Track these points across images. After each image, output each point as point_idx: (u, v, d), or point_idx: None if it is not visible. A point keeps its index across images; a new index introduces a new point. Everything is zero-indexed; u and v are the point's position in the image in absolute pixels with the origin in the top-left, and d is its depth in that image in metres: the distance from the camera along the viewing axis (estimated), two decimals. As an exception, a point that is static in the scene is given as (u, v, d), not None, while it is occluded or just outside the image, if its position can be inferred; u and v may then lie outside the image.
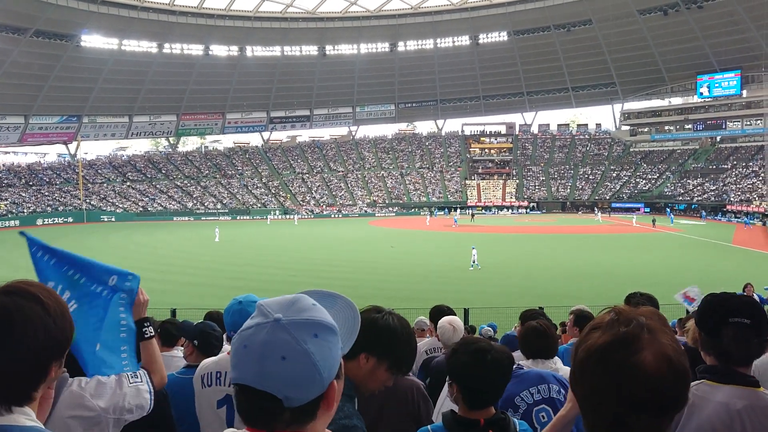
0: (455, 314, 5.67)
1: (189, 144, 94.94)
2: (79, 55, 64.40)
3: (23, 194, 64.61)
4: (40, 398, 1.38)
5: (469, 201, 74.12)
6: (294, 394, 1.08)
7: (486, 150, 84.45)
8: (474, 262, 26.33)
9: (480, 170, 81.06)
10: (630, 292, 3.71)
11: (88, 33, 63.30)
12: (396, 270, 26.22)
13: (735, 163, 65.91)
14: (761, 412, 2.11)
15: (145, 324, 2.49)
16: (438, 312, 6.07)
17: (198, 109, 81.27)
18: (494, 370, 2.32)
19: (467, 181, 78.79)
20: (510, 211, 71.85)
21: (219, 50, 74.80)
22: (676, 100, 77.15)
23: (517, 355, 3.36)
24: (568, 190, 74.63)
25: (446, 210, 69.16)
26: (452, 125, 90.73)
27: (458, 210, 66.29)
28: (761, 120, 63.49)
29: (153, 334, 2.52)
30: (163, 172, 78.36)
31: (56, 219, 60.69)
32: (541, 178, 77.82)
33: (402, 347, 2.04)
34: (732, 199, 57.46)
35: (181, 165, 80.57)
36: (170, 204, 70.78)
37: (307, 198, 76.30)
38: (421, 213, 68.40)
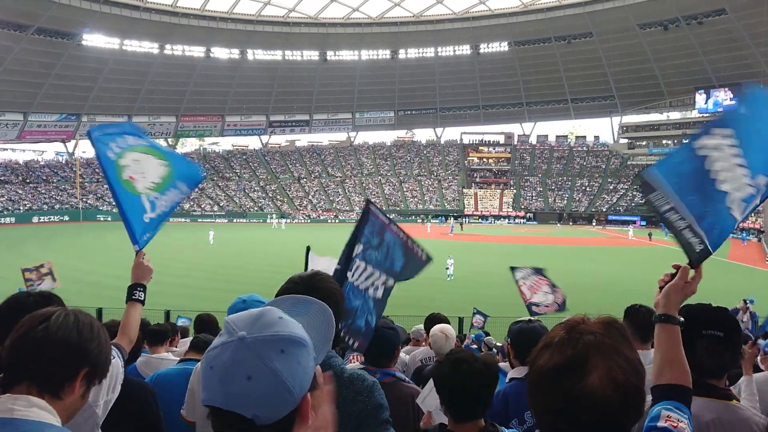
0: (449, 323, 5.68)
1: (188, 145, 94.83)
2: (80, 54, 64.40)
3: (19, 191, 64.44)
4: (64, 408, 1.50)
5: (466, 210, 74.14)
6: (263, 413, 1.05)
7: (484, 159, 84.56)
8: (449, 272, 25.75)
9: (478, 179, 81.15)
10: (630, 305, 3.68)
11: (89, 32, 63.32)
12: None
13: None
14: (729, 425, 2.10)
15: (139, 289, 2.85)
16: (432, 321, 6.08)
17: (197, 110, 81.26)
18: (471, 380, 2.29)
19: (465, 190, 78.85)
20: (507, 221, 71.90)
21: (220, 53, 74.87)
22: (675, 115, 77.44)
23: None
24: (565, 202, 74.74)
25: (442, 218, 69.15)
26: (451, 134, 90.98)
27: (452, 218, 66.34)
28: (759, 137, 63.69)
29: (142, 299, 2.85)
30: (161, 172, 78.09)
31: (52, 217, 60.54)
32: (539, 189, 77.93)
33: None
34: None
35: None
36: (167, 205, 70.47)
37: (304, 202, 76.28)
38: (418, 220, 68.38)
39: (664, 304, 1.89)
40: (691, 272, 1.97)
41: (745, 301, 13.13)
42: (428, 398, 2.71)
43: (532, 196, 76.75)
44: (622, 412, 1.20)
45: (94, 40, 64.82)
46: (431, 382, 2.79)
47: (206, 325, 5.51)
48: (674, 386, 1.67)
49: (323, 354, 1.23)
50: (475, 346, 9.24)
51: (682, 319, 1.85)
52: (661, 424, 1.51)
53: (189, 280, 24.28)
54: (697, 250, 1.99)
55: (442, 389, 2.34)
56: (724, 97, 65.79)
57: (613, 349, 1.22)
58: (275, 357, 1.05)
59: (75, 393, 1.51)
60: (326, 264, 3.68)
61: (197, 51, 73.30)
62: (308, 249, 3.79)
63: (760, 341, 3.99)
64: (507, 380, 3.25)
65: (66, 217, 61.35)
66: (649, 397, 1.60)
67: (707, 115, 69.83)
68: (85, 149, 78.79)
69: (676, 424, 1.50)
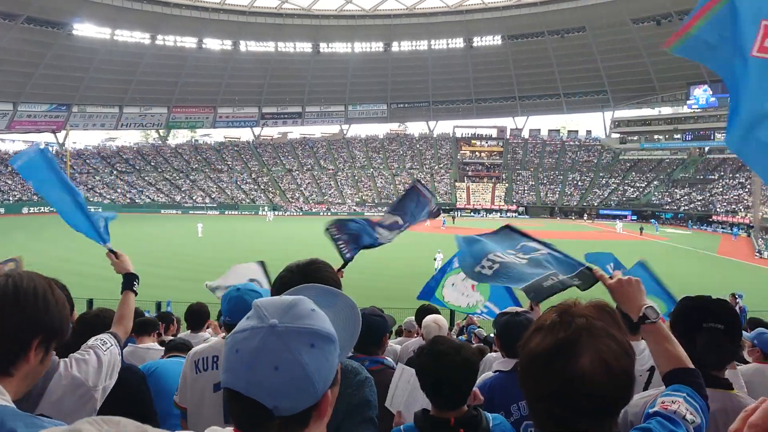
0: (440, 314, 5.68)
1: (179, 137, 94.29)
2: (70, 44, 63.86)
3: (9, 182, 63.90)
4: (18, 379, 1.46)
5: (458, 203, 74.20)
6: (284, 405, 1.03)
7: (477, 153, 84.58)
8: (437, 266, 25.87)
9: (470, 173, 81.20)
10: None
11: (80, 21, 62.75)
12: (384, 269, 26.18)
13: (722, 174, 66.49)
14: (734, 414, 2.13)
15: (135, 280, 3.00)
16: (424, 312, 6.08)
17: (189, 102, 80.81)
18: (451, 373, 2.29)
19: (457, 184, 78.91)
20: (499, 214, 72.00)
21: (212, 44, 74.44)
22: (666, 110, 77.67)
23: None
24: (557, 196, 74.93)
25: (435, 211, 69.09)
26: (444, 127, 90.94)
27: (445, 212, 66.39)
28: (749, 132, 64.04)
29: (136, 291, 2.98)
30: (152, 164, 77.82)
31: (42, 208, 60.02)
32: (531, 183, 78.09)
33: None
34: (718, 209, 57.96)
35: (171, 158, 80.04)
36: (158, 197, 70.30)
37: (296, 195, 76.10)
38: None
39: (628, 312, 1.91)
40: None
41: (733, 295, 13.23)
42: (395, 399, 2.70)
43: (524, 190, 76.89)
44: (613, 394, 1.22)
45: (85, 29, 64.28)
46: (393, 381, 2.79)
47: (196, 314, 5.50)
48: (672, 372, 1.71)
49: (347, 351, 1.23)
50: (463, 337, 9.24)
51: (654, 316, 1.86)
52: (653, 410, 1.54)
53: (179, 272, 24.19)
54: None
55: (423, 379, 2.34)
56: (711, 93, 66.34)
57: (604, 332, 1.24)
58: (305, 350, 1.04)
59: (31, 362, 1.47)
60: (250, 271, 4.20)
61: (189, 42, 72.83)
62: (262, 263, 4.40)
63: (746, 333, 4.01)
64: (493, 372, 3.24)
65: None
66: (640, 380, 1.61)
67: (699, 110, 70.22)
68: (75, 140, 78.29)
69: (667, 406, 1.53)
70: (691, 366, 1.75)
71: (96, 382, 2.16)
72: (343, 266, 3.44)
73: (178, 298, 14.14)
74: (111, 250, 3.16)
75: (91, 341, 2.32)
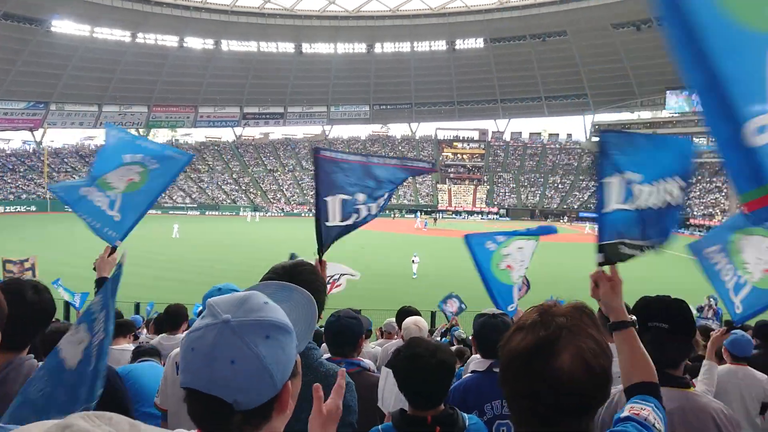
0: (421, 315, 5.69)
1: (159, 136, 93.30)
2: (49, 41, 62.95)
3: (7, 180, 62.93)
4: None
5: (440, 205, 74.48)
6: (244, 399, 1.03)
7: (458, 155, 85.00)
8: (414, 270, 25.73)
9: (452, 175, 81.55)
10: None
11: (59, 18, 61.88)
12: (366, 271, 26.11)
13: (699, 178, 67.47)
14: (691, 412, 2.19)
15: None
16: (404, 314, 6.08)
17: (170, 101, 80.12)
18: (426, 375, 2.31)
19: (439, 185, 79.18)
20: (480, 216, 72.34)
21: (194, 42, 73.87)
22: (645, 114, 78.72)
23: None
24: (538, 198, 75.51)
25: (417, 213, 69.23)
26: (426, 129, 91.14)
27: (423, 213, 66.72)
28: (725, 137, 65.12)
29: None
30: (132, 163, 76.91)
31: (18, 207, 59.13)
32: (512, 186, 78.61)
33: None
34: (695, 213, 58.83)
35: (151, 157, 79.19)
36: (138, 196, 69.50)
37: (278, 195, 75.80)
38: (393, 216, 68.08)
39: (609, 313, 1.95)
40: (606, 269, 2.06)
41: (708, 298, 13.43)
42: (385, 401, 2.70)
43: (505, 193, 77.39)
44: (591, 392, 1.24)
45: (64, 26, 63.41)
46: (380, 384, 2.79)
47: (174, 315, 5.45)
48: (639, 384, 1.75)
49: (305, 343, 1.23)
50: (446, 339, 9.27)
51: (633, 318, 1.89)
52: (624, 414, 1.59)
53: (159, 272, 23.99)
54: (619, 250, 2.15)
55: (399, 380, 2.36)
56: (689, 99, 67.36)
57: (583, 332, 1.26)
58: (260, 342, 1.04)
59: None
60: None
61: (170, 40, 72.21)
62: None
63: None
64: (468, 372, 3.25)
65: (33, 207, 59.87)
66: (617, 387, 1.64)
67: (677, 115, 71.25)
68: (53, 138, 77.25)
69: (638, 412, 1.57)
70: (656, 380, 1.79)
71: None
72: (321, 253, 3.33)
73: (153, 299, 14.01)
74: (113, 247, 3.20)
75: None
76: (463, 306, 11.37)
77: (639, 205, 2.15)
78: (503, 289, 5.01)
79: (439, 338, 9.52)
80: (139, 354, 4.22)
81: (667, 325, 2.29)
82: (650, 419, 1.55)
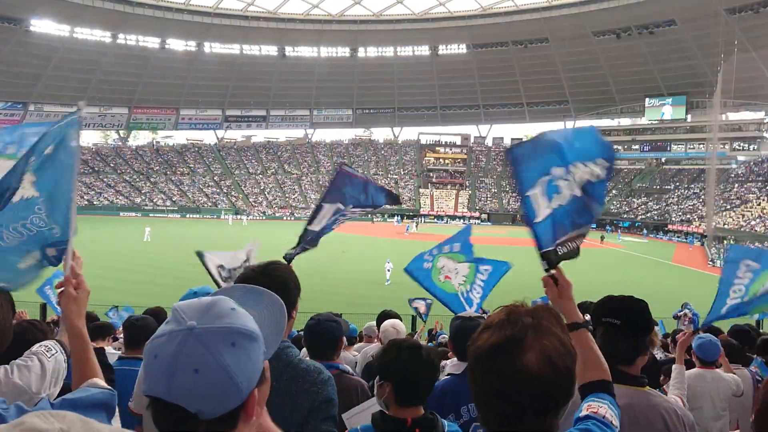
0: (401, 319, 5.72)
1: (140, 138, 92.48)
2: (28, 40, 62.17)
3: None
4: None
5: (422, 210, 74.65)
6: (207, 408, 1.00)
7: (441, 160, 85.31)
8: (387, 276, 25.78)
9: (434, 179, 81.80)
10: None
11: (38, 18, 61.12)
12: (347, 275, 26.17)
13: (678, 184, 68.43)
14: (639, 410, 2.23)
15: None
16: (384, 317, 6.11)
17: (151, 103, 79.43)
18: (414, 367, 2.35)
19: (421, 190, 79.38)
20: (462, 221, 72.60)
21: (176, 44, 73.37)
22: (625, 121, 79.64)
23: None
24: (519, 204, 75.82)
25: (399, 217, 69.38)
26: (409, 134, 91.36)
27: (405, 218, 66.90)
28: (703, 144, 66.16)
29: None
30: (112, 165, 76.17)
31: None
32: (493, 190, 79.04)
33: None
34: (674, 219, 59.60)
35: (131, 159, 78.48)
36: (117, 199, 68.82)
37: (260, 199, 75.44)
38: (374, 220, 68.06)
39: (565, 311, 2.00)
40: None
41: (683, 306, 13.59)
42: (352, 419, 2.71)
43: (487, 197, 77.79)
44: (556, 391, 1.27)
45: (43, 26, 62.67)
46: (360, 406, 2.81)
47: (156, 317, 5.42)
48: (593, 383, 1.81)
49: (274, 348, 1.20)
50: (432, 343, 9.31)
51: (586, 317, 1.95)
52: (583, 413, 1.64)
53: (134, 276, 23.77)
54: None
55: (387, 375, 2.38)
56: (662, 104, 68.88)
57: (549, 331, 1.29)
58: (225, 351, 1.00)
59: None
60: (226, 259, 3.99)
61: (152, 41, 71.65)
62: (199, 254, 4.12)
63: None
64: (445, 375, 3.28)
65: (9, 209, 58.99)
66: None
67: (656, 121, 72.24)
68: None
69: (596, 410, 1.63)
70: (609, 378, 1.85)
71: (39, 388, 2.11)
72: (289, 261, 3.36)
73: (136, 302, 13.86)
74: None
75: (35, 347, 2.27)
76: (428, 301, 11.29)
77: (564, 196, 2.25)
78: (451, 297, 5.50)
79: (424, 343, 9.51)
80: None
81: (619, 321, 2.33)
82: (608, 417, 1.61)
